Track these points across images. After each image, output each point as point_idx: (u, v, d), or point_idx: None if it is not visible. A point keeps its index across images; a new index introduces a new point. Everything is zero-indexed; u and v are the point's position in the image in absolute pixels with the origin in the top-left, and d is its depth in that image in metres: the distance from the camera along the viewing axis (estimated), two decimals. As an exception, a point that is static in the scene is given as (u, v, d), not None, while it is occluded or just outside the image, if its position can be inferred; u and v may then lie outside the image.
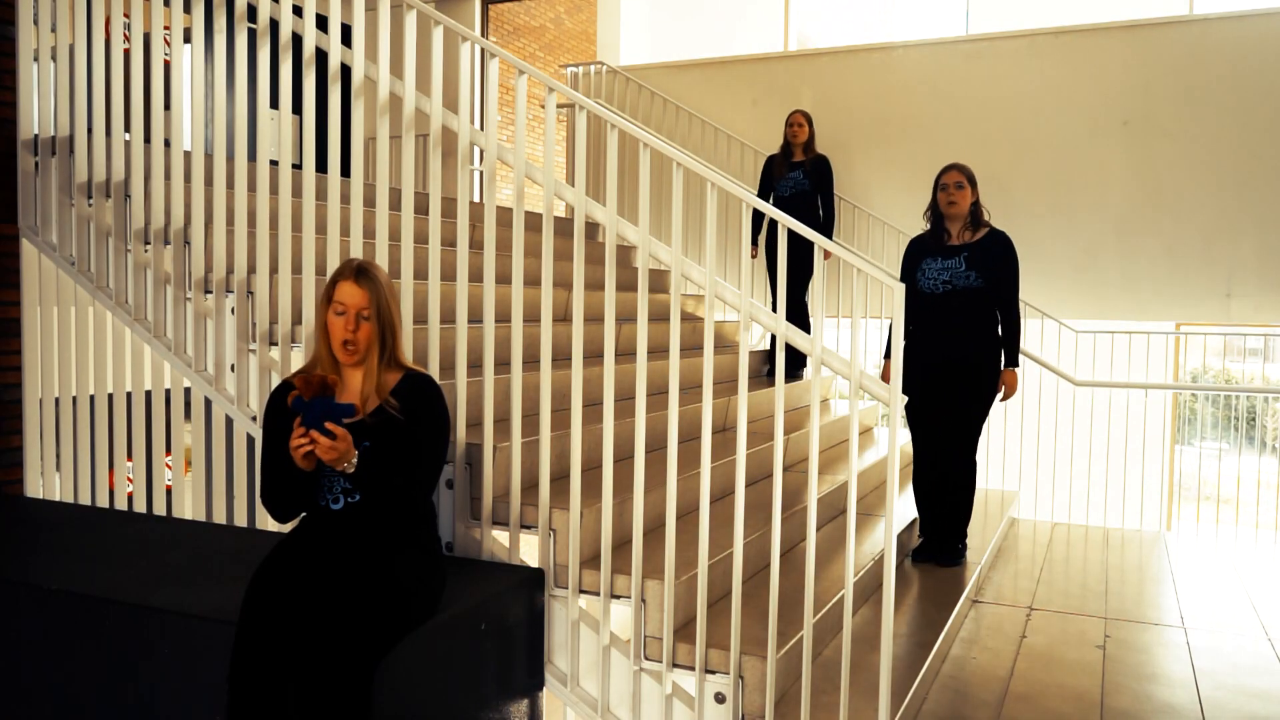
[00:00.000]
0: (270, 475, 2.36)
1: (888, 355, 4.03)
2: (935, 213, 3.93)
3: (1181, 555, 4.77)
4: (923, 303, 3.86)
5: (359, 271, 2.35)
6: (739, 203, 2.74)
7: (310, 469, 2.25)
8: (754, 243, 5.87)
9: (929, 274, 3.87)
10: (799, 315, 5.57)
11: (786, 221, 2.54)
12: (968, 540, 4.16)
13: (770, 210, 2.61)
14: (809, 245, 2.53)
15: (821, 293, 2.56)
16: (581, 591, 2.76)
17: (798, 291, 5.59)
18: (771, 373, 5.53)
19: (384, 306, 2.36)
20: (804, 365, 5.67)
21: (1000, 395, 3.92)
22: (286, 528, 3.26)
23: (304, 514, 2.41)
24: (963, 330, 3.81)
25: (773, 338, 2.55)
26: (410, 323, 2.90)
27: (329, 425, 2.17)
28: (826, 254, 2.63)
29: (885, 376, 3.87)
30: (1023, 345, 6.06)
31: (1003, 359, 3.88)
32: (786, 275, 2.53)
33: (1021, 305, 3.99)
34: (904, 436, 5.49)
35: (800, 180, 5.69)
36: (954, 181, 3.85)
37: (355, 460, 2.25)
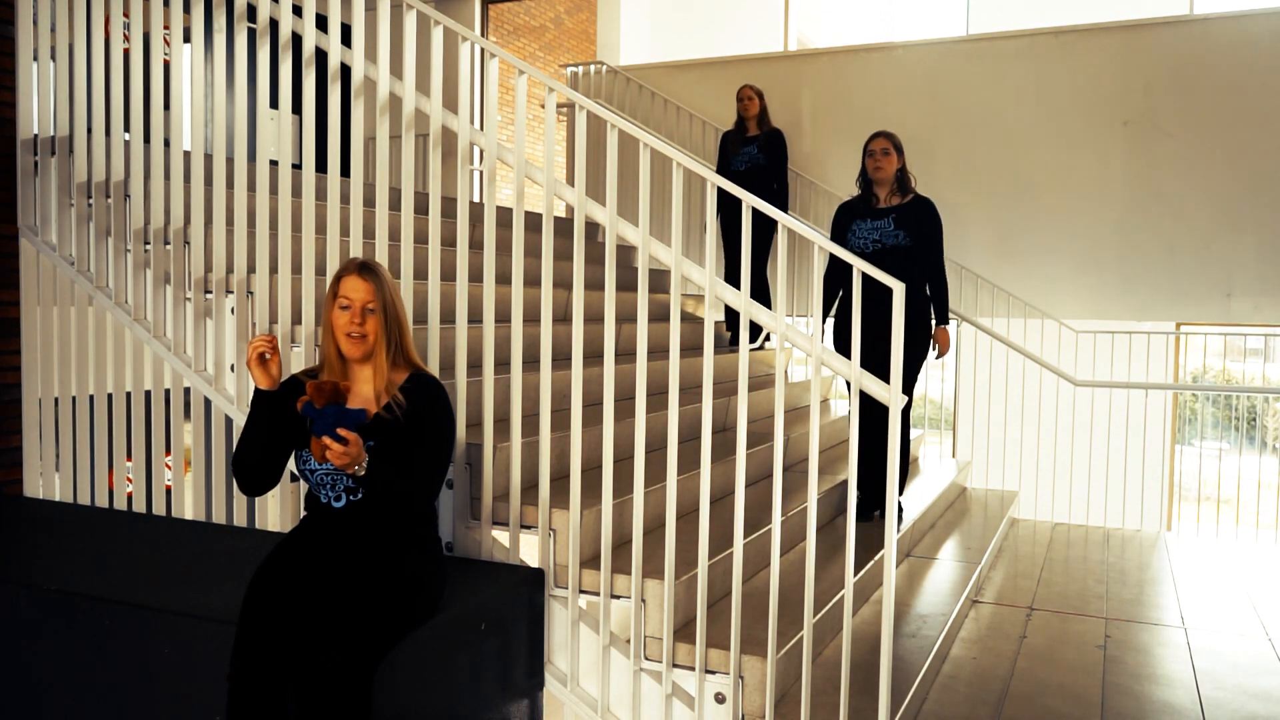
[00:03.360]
0: (246, 443, 2.38)
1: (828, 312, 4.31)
2: (864, 179, 4.13)
3: (1181, 555, 4.76)
4: None
5: (362, 267, 2.37)
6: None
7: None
8: (718, 216, 5.99)
9: (859, 234, 4.06)
10: (761, 290, 5.72)
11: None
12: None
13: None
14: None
15: (818, 292, 2.55)
16: (581, 591, 2.76)
17: (759, 265, 5.76)
18: (735, 339, 5.57)
19: (389, 303, 2.38)
20: (763, 333, 5.80)
21: (935, 353, 4.09)
22: (288, 525, 3.27)
23: (306, 511, 2.42)
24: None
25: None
26: (410, 323, 2.90)
27: (340, 431, 2.17)
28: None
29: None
30: (1021, 343, 6.11)
31: (934, 317, 4.06)
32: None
33: (965, 277, 4.17)
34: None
35: (755, 155, 5.80)
36: (880, 148, 4.06)
37: (366, 463, 2.25)
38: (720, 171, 5.93)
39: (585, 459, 2.95)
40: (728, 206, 5.67)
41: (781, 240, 2.58)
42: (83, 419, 3.76)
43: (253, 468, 2.38)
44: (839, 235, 4.11)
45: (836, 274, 4.14)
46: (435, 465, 2.40)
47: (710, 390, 2.58)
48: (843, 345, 4.06)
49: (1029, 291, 6.56)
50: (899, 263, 3.88)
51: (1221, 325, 6.60)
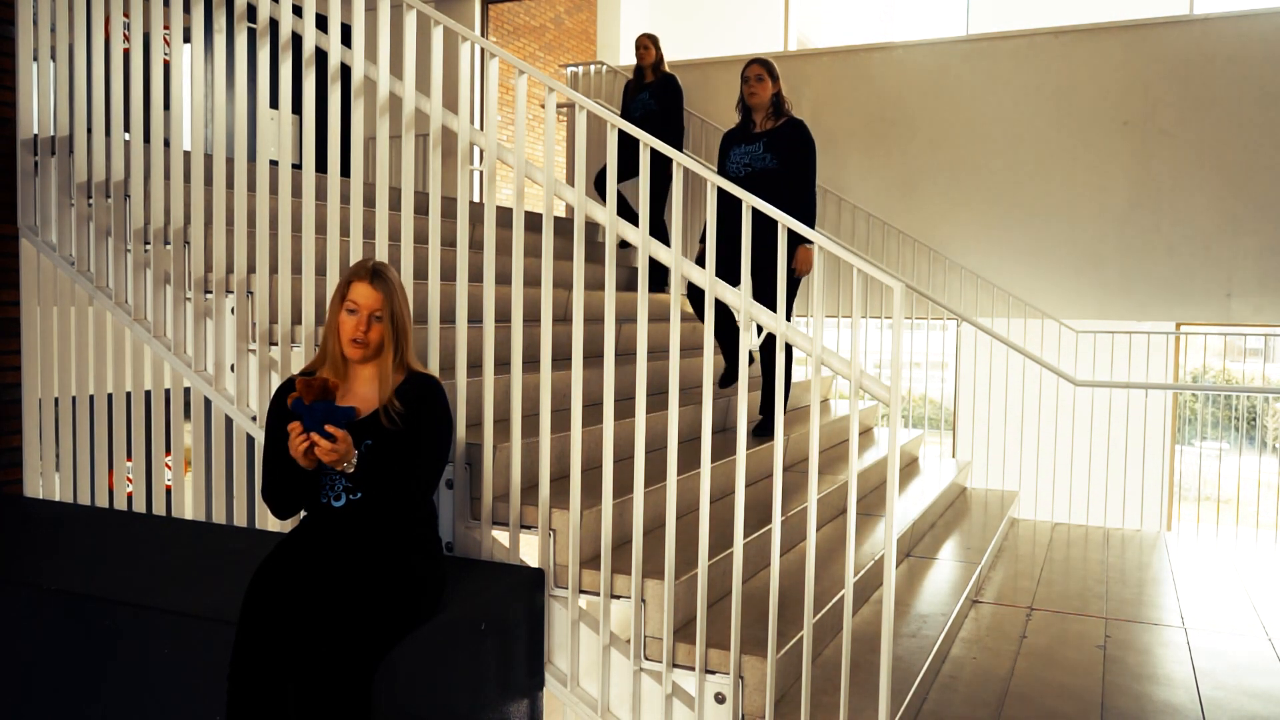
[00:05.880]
0: (271, 473, 2.36)
1: (702, 240, 4.26)
2: (742, 105, 4.19)
3: (1181, 555, 4.76)
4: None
5: (374, 273, 2.36)
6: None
7: (311, 467, 2.25)
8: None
9: (733, 159, 4.12)
10: (659, 228, 5.78)
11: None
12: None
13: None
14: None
15: (819, 293, 2.55)
16: (581, 591, 2.76)
17: (658, 207, 5.81)
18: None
19: (397, 310, 2.38)
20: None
21: (796, 270, 4.06)
22: (287, 525, 3.27)
23: (305, 512, 2.42)
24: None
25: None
26: (412, 326, 2.91)
27: (328, 428, 2.18)
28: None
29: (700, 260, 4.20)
30: (1021, 343, 6.11)
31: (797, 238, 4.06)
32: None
33: (820, 192, 4.30)
34: (905, 436, 5.50)
35: (647, 101, 5.91)
36: (755, 74, 4.11)
37: (355, 460, 2.26)
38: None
39: (585, 459, 2.95)
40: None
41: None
42: (83, 419, 3.76)
43: (286, 500, 2.38)
44: (720, 162, 4.20)
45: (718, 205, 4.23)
46: (431, 463, 2.40)
47: (710, 390, 2.58)
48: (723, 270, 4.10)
49: (1029, 291, 6.57)
50: (767, 185, 3.92)
51: (1221, 325, 6.61)
